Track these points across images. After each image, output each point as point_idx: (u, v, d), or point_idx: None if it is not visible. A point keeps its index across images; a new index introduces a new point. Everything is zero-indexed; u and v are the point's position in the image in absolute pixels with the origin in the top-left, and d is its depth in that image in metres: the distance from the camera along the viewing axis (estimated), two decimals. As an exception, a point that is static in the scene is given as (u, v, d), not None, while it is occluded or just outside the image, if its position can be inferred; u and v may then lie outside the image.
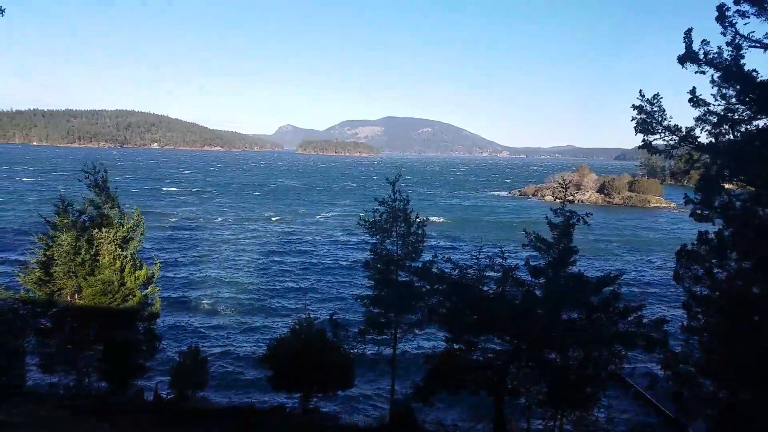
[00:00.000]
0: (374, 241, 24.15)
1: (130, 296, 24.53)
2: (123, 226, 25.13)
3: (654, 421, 29.03)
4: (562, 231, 20.42)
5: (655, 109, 16.85)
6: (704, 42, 15.96)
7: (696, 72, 16.38)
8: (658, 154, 17.78)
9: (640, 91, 17.08)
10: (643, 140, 17.28)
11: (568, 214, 20.48)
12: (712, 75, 16.15)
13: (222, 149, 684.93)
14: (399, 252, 23.82)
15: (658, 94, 16.90)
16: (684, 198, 17.61)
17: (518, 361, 21.15)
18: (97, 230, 24.12)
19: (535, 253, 21.25)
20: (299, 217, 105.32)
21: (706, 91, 16.36)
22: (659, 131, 16.95)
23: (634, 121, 17.22)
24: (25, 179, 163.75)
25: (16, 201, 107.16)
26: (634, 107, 17.15)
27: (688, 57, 16.30)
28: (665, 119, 16.81)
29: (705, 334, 17.85)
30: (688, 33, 16.35)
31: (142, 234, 26.50)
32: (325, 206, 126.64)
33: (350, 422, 27.67)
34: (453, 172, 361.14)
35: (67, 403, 21.76)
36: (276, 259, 66.20)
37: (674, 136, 16.84)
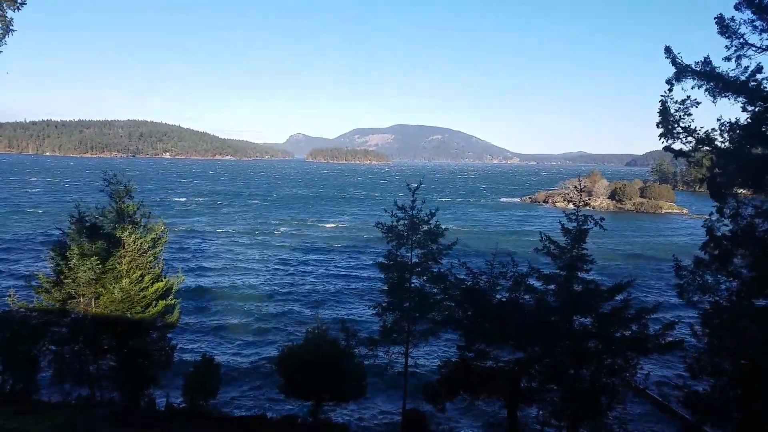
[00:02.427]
0: (389, 248, 24.10)
1: (150, 306, 24.70)
2: (147, 236, 25.31)
3: (672, 428, 28.62)
4: (576, 236, 20.20)
5: (677, 107, 16.66)
6: (707, 60, 15.97)
7: (693, 87, 16.36)
8: (680, 156, 17.52)
9: (670, 87, 16.90)
10: (662, 139, 17.12)
11: (582, 218, 20.24)
12: (711, 87, 16.08)
13: (233, 158, 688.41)
14: (414, 260, 23.78)
15: (688, 97, 16.70)
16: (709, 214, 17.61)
17: (531, 370, 20.98)
18: (120, 234, 24.32)
19: (547, 260, 21.08)
20: (309, 226, 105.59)
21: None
22: (678, 132, 16.77)
23: (658, 118, 17.01)
24: (32, 189, 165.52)
25: (23, 212, 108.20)
26: (660, 101, 16.94)
27: (683, 73, 16.27)
28: (684, 120, 16.62)
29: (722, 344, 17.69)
30: (668, 50, 16.35)
31: (164, 243, 26.69)
32: (335, 215, 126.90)
33: (362, 430, 27.60)
34: (463, 178, 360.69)
35: (95, 411, 21.82)
36: (286, 268, 66.32)
37: (692, 138, 16.67)
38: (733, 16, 15.67)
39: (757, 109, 15.70)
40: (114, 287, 23.41)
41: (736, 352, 16.91)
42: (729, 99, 16.05)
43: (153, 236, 25.84)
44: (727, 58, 15.80)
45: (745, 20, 15.49)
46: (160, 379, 26.52)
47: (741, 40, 15.62)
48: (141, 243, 24.69)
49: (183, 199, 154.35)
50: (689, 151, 16.95)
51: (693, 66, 16.23)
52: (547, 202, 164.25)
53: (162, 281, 25.64)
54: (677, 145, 17.00)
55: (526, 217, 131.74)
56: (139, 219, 25.87)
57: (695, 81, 16.31)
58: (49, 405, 22.75)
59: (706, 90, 16.20)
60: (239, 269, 64.49)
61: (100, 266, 22.91)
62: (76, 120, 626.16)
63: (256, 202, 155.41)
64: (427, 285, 23.83)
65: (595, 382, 19.71)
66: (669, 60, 16.48)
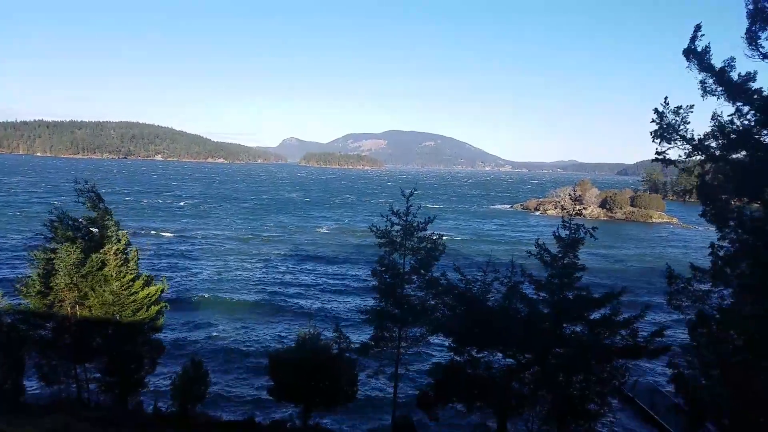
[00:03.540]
0: (382, 253, 24.13)
1: (141, 310, 24.62)
2: (120, 241, 25.14)
3: None
4: (568, 244, 20.33)
5: (676, 118, 16.68)
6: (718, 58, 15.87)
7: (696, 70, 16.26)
8: (671, 165, 17.46)
9: (665, 98, 16.92)
10: (657, 150, 17.09)
11: (574, 227, 20.37)
12: (705, 79, 16.07)
13: (225, 161, 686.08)
14: (406, 266, 23.82)
15: (680, 106, 16.65)
16: (700, 214, 17.67)
17: (521, 376, 21.05)
18: (99, 243, 24.20)
19: (539, 266, 21.19)
20: (300, 231, 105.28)
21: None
22: (675, 140, 16.81)
23: (653, 126, 16.97)
24: (15, 190, 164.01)
25: (4, 213, 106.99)
26: (656, 111, 16.91)
27: (690, 53, 16.18)
28: (683, 129, 16.63)
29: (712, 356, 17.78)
30: (698, 28, 16.12)
31: (136, 257, 26.42)
32: (326, 219, 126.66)
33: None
34: (455, 185, 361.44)
35: (85, 414, 21.66)
36: (277, 272, 66.13)
37: (688, 146, 16.71)
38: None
39: (748, 113, 15.74)
40: (104, 290, 23.32)
41: (729, 359, 17.00)
42: (719, 99, 16.00)
43: (123, 244, 25.56)
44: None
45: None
46: (147, 382, 26.37)
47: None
48: (118, 246, 24.63)
49: (171, 202, 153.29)
50: (684, 158, 16.96)
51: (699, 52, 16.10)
52: (538, 210, 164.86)
53: (154, 286, 25.60)
54: (674, 152, 16.99)
55: (516, 224, 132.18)
56: (112, 224, 25.61)
57: (697, 71, 16.20)
58: (38, 408, 22.58)
59: (701, 83, 16.07)
60: (229, 273, 64.17)
61: (76, 270, 22.84)
62: (68, 121, 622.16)
63: (247, 205, 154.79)
64: (420, 292, 23.90)
65: (584, 389, 19.81)
66: (690, 35, 16.28)
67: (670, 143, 16.86)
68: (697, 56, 16.05)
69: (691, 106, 16.52)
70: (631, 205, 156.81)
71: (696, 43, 16.13)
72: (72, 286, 22.90)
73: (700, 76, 16.09)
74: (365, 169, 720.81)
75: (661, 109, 16.79)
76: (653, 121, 16.88)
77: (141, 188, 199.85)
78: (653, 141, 16.96)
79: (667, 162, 17.17)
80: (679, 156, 16.96)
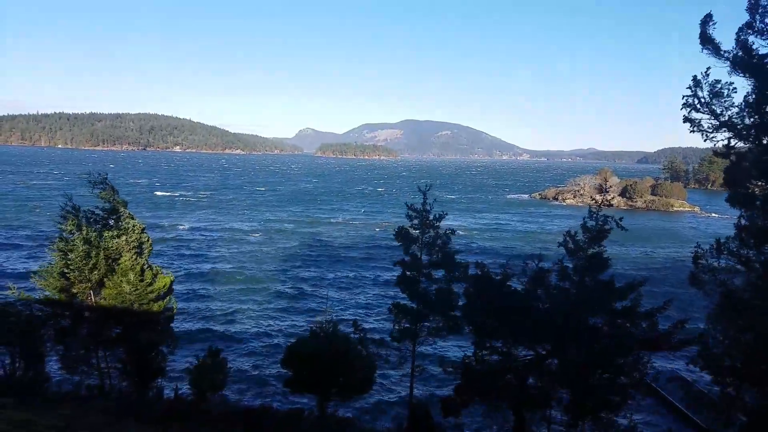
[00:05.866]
0: (401, 245, 24.16)
1: (156, 300, 24.81)
2: (135, 231, 25.24)
3: (682, 428, 28.36)
4: (595, 236, 19.89)
5: (706, 92, 16.21)
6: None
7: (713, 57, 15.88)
8: (699, 133, 16.94)
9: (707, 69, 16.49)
10: (686, 117, 16.63)
11: (602, 218, 19.92)
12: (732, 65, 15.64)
13: (242, 152, 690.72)
14: (425, 259, 23.76)
15: (719, 80, 16.17)
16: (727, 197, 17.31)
17: (541, 367, 20.76)
18: (112, 235, 24.33)
19: (562, 256, 20.81)
20: (317, 221, 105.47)
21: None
22: (703, 111, 16.36)
23: (684, 98, 16.53)
24: (36, 182, 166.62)
25: (25, 205, 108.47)
26: (693, 79, 16.43)
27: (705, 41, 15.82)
28: (714, 103, 16.18)
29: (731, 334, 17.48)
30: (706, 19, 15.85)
31: (150, 245, 26.55)
32: (342, 210, 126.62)
33: (368, 426, 27.46)
34: (472, 175, 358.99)
35: (98, 405, 21.85)
36: (294, 262, 66.39)
37: (715, 120, 16.27)
38: None
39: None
40: (121, 280, 23.49)
41: (750, 346, 16.64)
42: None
43: (137, 234, 25.69)
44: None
45: None
46: (167, 370, 26.63)
47: None
48: (131, 237, 24.75)
49: (188, 193, 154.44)
50: (711, 132, 16.48)
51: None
52: (556, 199, 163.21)
53: (167, 276, 25.76)
54: (704, 122, 16.48)
55: (535, 214, 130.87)
56: (126, 216, 25.70)
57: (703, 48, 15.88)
58: (59, 395, 22.83)
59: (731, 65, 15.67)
60: (246, 263, 64.57)
61: (85, 263, 23.01)
62: (87, 113, 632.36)
63: (262, 197, 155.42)
64: (435, 286, 23.89)
65: (606, 381, 19.48)
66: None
67: (699, 113, 16.41)
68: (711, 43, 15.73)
69: (731, 83, 15.95)
70: (652, 194, 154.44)
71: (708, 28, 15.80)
72: (83, 278, 23.10)
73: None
74: (380, 159, 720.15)
75: (699, 77, 16.26)
76: (689, 87, 16.38)
77: (157, 180, 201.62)
78: (681, 109, 16.51)
79: (698, 128, 16.63)
80: (708, 128, 16.46)
